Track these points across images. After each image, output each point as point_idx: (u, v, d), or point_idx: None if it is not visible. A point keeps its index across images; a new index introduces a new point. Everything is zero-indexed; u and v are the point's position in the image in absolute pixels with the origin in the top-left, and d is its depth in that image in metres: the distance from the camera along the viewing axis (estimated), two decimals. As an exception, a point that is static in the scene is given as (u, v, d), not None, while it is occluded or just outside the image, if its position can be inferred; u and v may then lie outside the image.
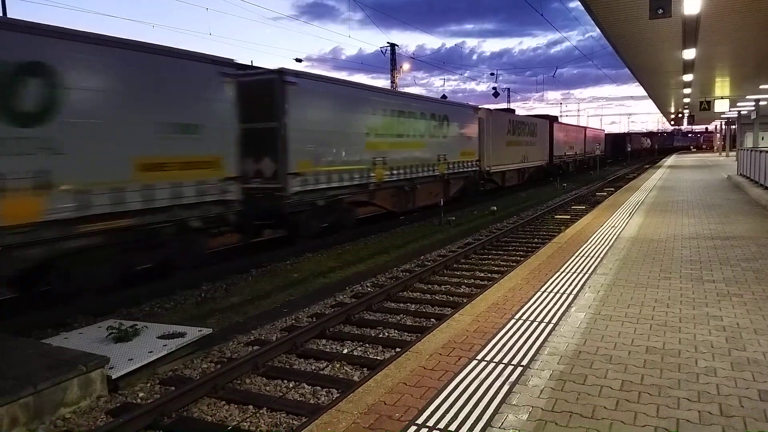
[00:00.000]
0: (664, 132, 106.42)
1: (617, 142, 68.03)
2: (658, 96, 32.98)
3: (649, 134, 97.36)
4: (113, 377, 5.54)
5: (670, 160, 50.65)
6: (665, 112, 49.32)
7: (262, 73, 11.95)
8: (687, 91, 25.98)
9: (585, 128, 49.09)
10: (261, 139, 11.61)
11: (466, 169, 21.18)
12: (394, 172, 15.98)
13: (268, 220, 12.46)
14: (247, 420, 5.04)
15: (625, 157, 66.29)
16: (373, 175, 14.83)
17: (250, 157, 11.43)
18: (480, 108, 23.34)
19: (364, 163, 14.49)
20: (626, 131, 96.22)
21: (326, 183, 13.00)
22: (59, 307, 8.13)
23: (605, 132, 64.78)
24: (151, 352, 6.08)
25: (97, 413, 5.17)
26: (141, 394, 5.60)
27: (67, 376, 5.13)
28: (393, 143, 16.06)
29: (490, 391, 3.73)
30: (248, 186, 11.13)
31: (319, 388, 5.65)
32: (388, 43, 42.36)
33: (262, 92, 11.62)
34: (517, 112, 32.71)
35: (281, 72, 11.58)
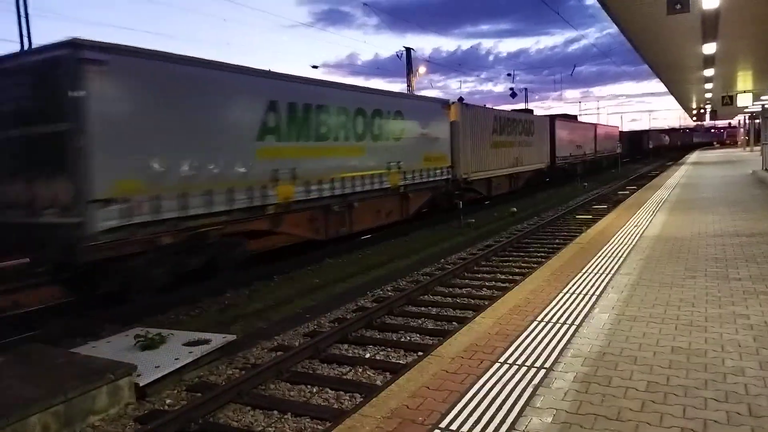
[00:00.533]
0: (685, 128, 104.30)
1: (634, 139, 65.40)
2: (678, 92, 32.51)
3: (669, 131, 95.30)
4: (141, 385, 5.63)
5: (693, 156, 49.82)
6: (687, 108, 48.57)
7: (43, 50, 8.02)
8: (708, 86, 25.57)
9: (595, 125, 44.55)
10: (42, 149, 7.93)
11: (433, 179, 17.18)
12: (313, 187, 11.85)
13: (62, 272, 8.95)
14: (272, 425, 5.09)
15: (643, 156, 64.18)
16: (273, 193, 10.73)
17: (22, 179, 8.09)
18: (453, 103, 19.24)
19: (255, 177, 10.29)
20: (647, 128, 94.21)
21: (178, 210, 8.79)
22: (86, 317, 8.29)
23: (620, 129, 60.72)
24: (177, 359, 6.17)
25: (125, 420, 5.26)
26: (168, 401, 5.68)
27: (96, 385, 5.23)
28: (308, 149, 11.85)
29: (513, 394, 3.73)
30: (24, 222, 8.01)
31: (342, 392, 5.68)
32: (403, 47, 42.46)
33: (45, 79, 7.90)
34: (535, 112, 32.18)
35: (75, 45, 7.54)
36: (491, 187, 22.17)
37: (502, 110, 25.63)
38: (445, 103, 18.47)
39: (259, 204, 10.43)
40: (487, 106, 24.25)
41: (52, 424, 4.87)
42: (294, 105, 11.42)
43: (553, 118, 31.59)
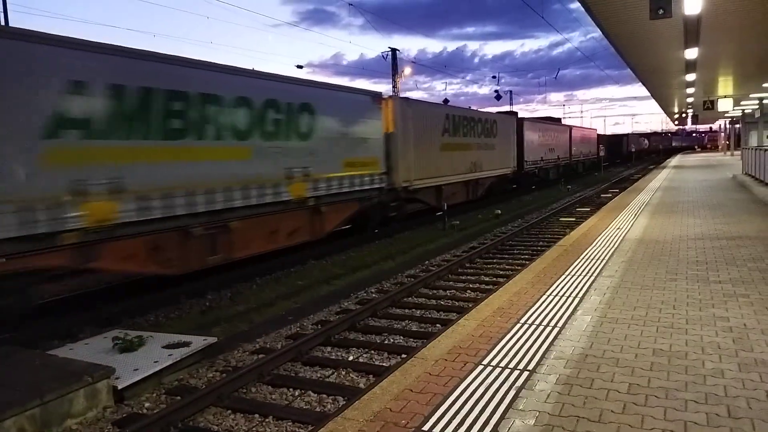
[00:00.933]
0: (666, 132, 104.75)
1: (613, 143, 62.31)
2: (661, 96, 32.94)
3: (649, 134, 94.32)
4: (119, 388, 5.54)
5: (674, 160, 50.45)
6: (669, 112, 49.24)
7: None
8: (690, 90, 25.94)
9: (570, 127, 40.93)
10: None
11: (360, 188, 13.87)
12: (155, 203, 8.53)
13: None
14: (254, 429, 5.03)
15: (623, 160, 62.44)
16: (76, 215, 7.44)
17: None
18: (390, 97, 16.28)
19: (38, 190, 7.04)
20: (627, 132, 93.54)
21: None
22: (65, 317, 8.15)
23: (599, 133, 56.78)
24: (156, 362, 6.08)
25: (103, 424, 5.17)
26: (147, 405, 5.59)
27: (73, 387, 5.14)
28: (149, 151, 8.53)
29: (496, 397, 3.71)
30: None
31: (324, 395, 5.64)
32: (389, 47, 42.46)
33: None
34: (520, 115, 32.04)
35: None
36: (442, 197, 18.80)
37: (457, 108, 22.53)
38: (377, 97, 14.92)
39: (49, 232, 7.13)
40: (468, 105, 23.67)
41: (27, 427, 4.76)
42: (120, 88, 8.10)
43: (521, 119, 29.05)
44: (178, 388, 5.96)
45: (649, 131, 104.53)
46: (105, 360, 5.96)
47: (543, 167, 32.09)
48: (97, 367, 5.49)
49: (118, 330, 7.26)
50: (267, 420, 5.16)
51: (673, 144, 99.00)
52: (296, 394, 5.72)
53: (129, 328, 7.63)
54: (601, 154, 48.92)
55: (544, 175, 32.43)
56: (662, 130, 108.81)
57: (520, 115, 30.59)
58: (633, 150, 69.97)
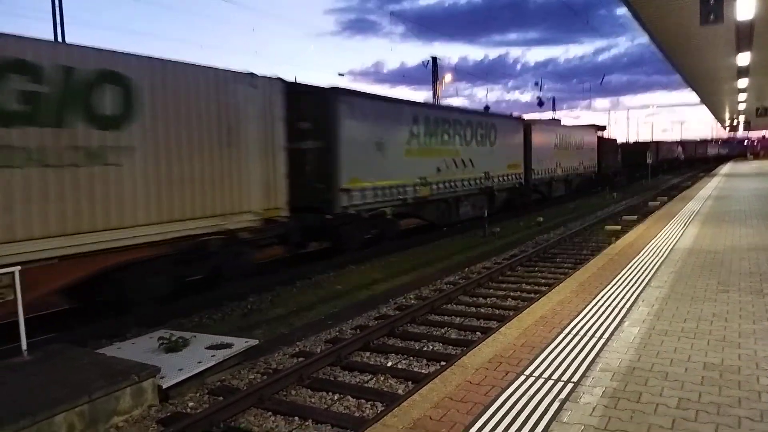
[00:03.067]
0: (705, 140, 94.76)
1: (632, 153, 44.33)
2: (711, 102, 31.93)
3: (684, 143, 77.23)
4: (164, 387, 5.66)
5: (726, 168, 48.66)
6: (720, 119, 47.67)
7: None
8: (742, 96, 25.06)
9: (557, 127, 28.65)
10: None
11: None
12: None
13: None
14: (293, 431, 5.06)
15: (646, 173, 44.15)
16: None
17: None
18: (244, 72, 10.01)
19: None
20: (654, 139, 70.30)
21: None
22: (115, 318, 8.40)
23: (606, 137, 40.43)
24: (200, 362, 6.20)
25: (148, 422, 5.29)
26: (191, 404, 5.70)
27: (120, 386, 5.28)
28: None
29: (539, 408, 3.64)
30: None
31: (363, 401, 5.64)
32: (430, 55, 42.42)
33: None
34: (563, 122, 31.02)
35: None
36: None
37: (437, 106, 19.49)
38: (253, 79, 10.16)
39: None
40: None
41: (77, 423, 4.91)
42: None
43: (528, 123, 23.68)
44: (221, 388, 6.06)
45: (698, 138, 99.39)
46: (151, 359, 6.10)
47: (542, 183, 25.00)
48: (144, 367, 5.63)
49: (163, 330, 7.43)
50: (306, 423, 5.19)
51: (719, 152, 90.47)
52: (335, 398, 5.74)
53: (174, 328, 7.81)
54: (610, 164, 35.76)
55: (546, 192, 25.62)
56: (711, 137, 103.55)
57: (563, 122, 28.74)
58: (657, 160, 51.17)
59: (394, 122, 14.78)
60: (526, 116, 24.92)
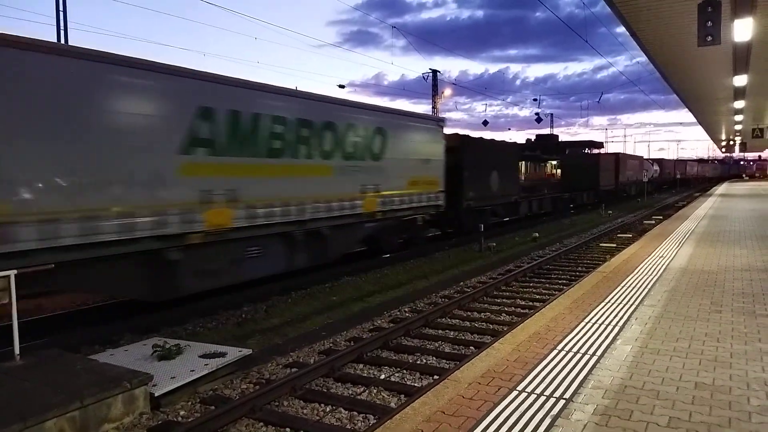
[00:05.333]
0: (689, 159, 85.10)
1: (579, 169, 36.20)
2: (708, 123, 32.18)
3: (661, 161, 63.47)
4: (156, 395, 5.64)
5: (721, 188, 48.87)
6: (716, 139, 48.02)
7: None
8: (738, 117, 25.28)
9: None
10: None
11: None
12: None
13: None
14: (285, 443, 5.04)
15: (600, 201, 34.20)
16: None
17: None
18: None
19: None
20: (619, 151, 50.78)
21: None
22: (107, 323, 8.38)
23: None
24: (192, 371, 6.18)
25: (139, 430, 5.27)
26: (182, 413, 5.68)
27: (112, 392, 5.26)
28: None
29: (531, 424, 3.65)
30: None
31: (356, 413, 5.63)
32: (430, 69, 42.70)
33: None
34: (561, 138, 30.92)
35: None
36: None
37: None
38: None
39: None
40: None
41: (67, 429, 4.89)
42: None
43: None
44: (213, 397, 6.04)
45: (692, 158, 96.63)
46: (143, 367, 6.09)
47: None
48: (136, 374, 5.62)
49: (157, 338, 7.42)
50: (298, 435, 5.18)
51: (705, 173, 78.14)
52: (327, 409, 5.73)
53: (168, 336, 7.79)
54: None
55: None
56: (698, 157, 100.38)
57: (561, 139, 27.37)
58: (620, 183, 40.73)
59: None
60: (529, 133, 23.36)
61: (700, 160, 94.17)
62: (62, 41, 16.65)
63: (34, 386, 5.23)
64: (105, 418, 5.19)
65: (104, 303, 9.79)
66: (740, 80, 15.29)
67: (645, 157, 56.38)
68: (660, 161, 61.91)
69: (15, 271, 5.76)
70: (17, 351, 5.84)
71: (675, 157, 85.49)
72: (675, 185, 63.98)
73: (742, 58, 13.04)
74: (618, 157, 41.30)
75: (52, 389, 5.14)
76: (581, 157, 42.03)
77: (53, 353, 6.25)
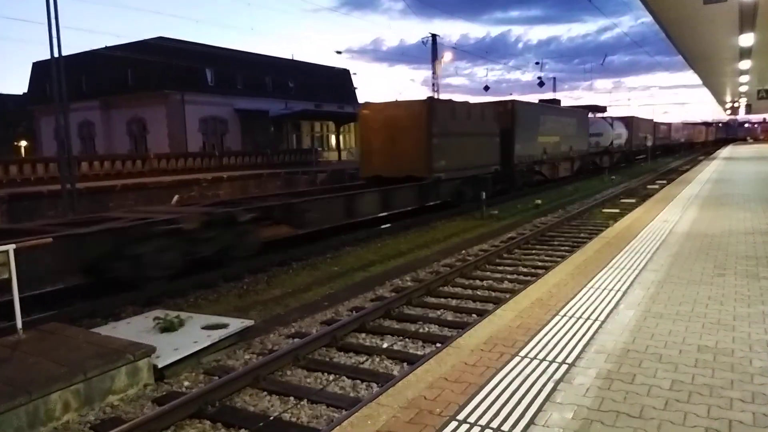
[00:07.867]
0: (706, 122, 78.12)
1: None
2: (712, 84, 31.74)
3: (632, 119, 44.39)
4: (159, 366, 5.67)
5: (725, 151, 48.48)
6: (721, 102, 47.42)
7: None
8: (744, 79, 24.91)
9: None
10: None
11: None
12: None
13: None
14: (288, 411, 5.08)
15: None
16: None
17: None
18: None
19: None
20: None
21: None
22: (108, 297, 8.40)
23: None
24: (195, 342, 6.20)
25: (143, 401, 5.31)
26: (186, 383, 5.71)
27: (115, 365, 5.28)
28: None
29: (533, 389, 3.64)
30: None
31: (359, 381, 5.65)
32: (429, 33, 41.98)
33: None
34: (563, 103, 30.77)
35: None
36: None
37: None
38: None
39: None
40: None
41: (72, 402, 4.93)
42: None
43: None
44: (216, 368, 6.07)
45: (698, 121, 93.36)
46: (146, 339, 6.11)
47: None
48: (139, 346, 5.63)
49: (159, 310, 7.44)
50: (301, 403, 5.21)
51: (674, 139, 57.20)
52: (330, 378, 5.75)
53: (170, 308, 7.81)
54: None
55: None
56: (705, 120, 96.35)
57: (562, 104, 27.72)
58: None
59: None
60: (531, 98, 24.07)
61: (705, 124, 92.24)
62: (54, 41, 16.20)
63: (38, 360, 5.25)
64: (109, 389, 5.23)
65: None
66: (746, 39, 15.00)
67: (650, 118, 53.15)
68: (637, 121, 45.48)
69: (14, 246, 5.74)
70: (20, 325, 5.85)
71: (671, 121, 67.58)
72: (672, 152, 56.42)
73: (748, 17, 12.75)
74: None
75: (55, 363, 5.16)
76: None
77: (56, 327, 6.27)
